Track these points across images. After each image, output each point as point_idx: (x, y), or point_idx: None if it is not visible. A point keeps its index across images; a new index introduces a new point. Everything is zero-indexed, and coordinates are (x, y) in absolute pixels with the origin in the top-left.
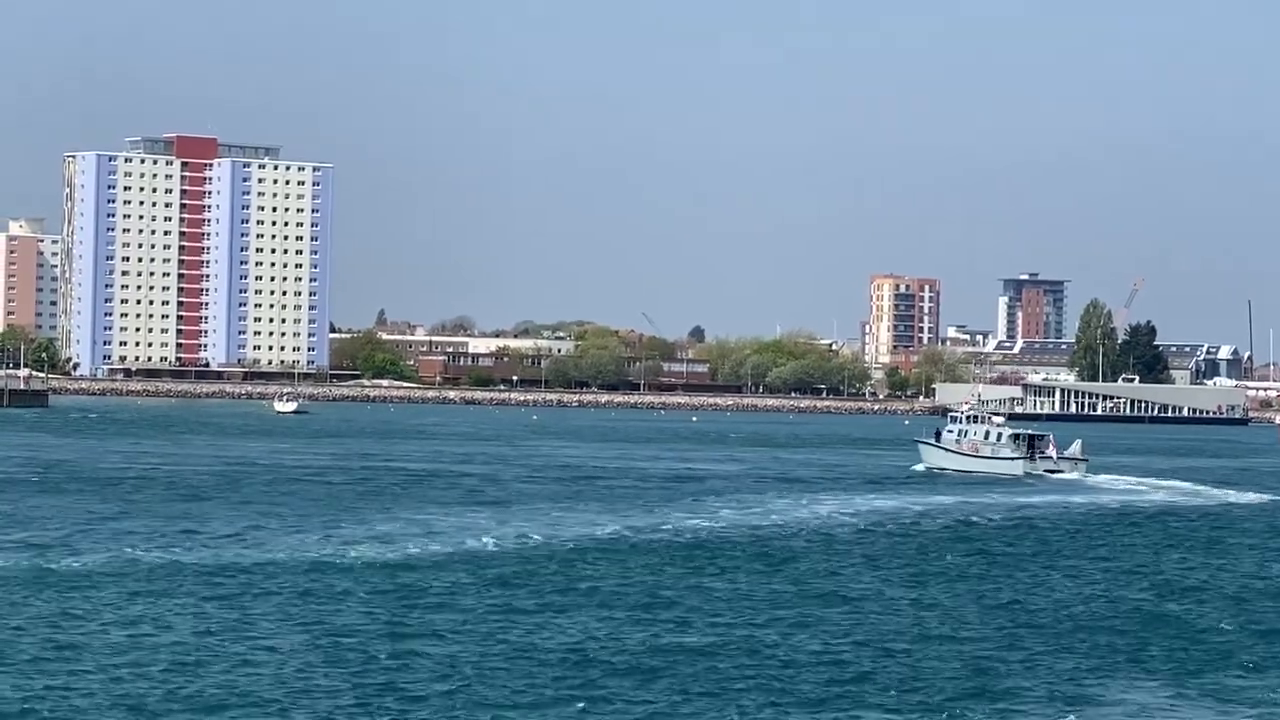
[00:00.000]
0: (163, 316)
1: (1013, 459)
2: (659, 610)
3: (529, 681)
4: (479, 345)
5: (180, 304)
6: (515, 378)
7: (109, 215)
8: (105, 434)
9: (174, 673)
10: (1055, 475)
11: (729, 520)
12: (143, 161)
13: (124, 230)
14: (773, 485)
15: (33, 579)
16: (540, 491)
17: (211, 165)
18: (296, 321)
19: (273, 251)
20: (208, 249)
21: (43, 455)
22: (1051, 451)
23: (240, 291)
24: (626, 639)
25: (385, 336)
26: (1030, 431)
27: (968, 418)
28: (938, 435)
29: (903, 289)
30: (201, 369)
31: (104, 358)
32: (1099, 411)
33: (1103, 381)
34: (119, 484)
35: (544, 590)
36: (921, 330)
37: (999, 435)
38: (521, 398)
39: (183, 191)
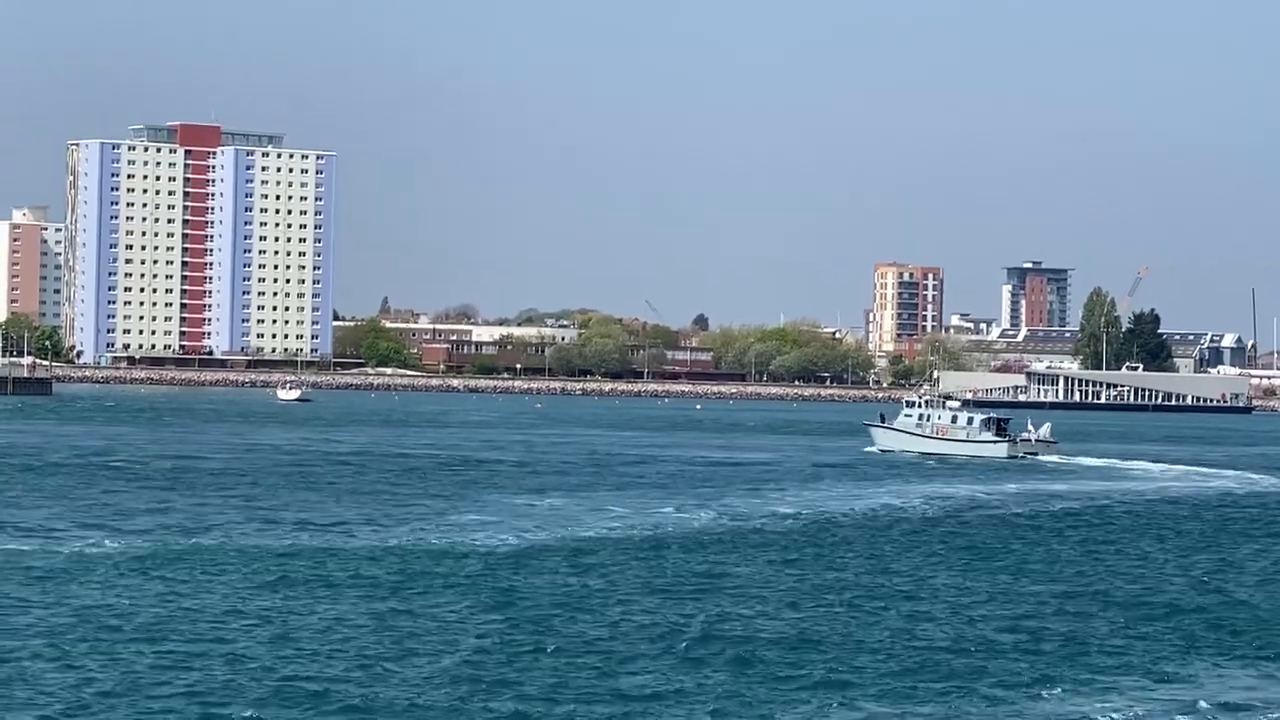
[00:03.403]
0: (166, 304)
1: (997, 441)
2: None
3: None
4: (482, 333)
5: (184, 292)
6: (519, 366)
7: (112, 203)
8: (123, 421)
9: (357, 663)
10: (1034, 458)
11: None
12: (146, 150)
13: (127, 218)
14: (848, 472)
15: (148, 564)
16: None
17: (215, 153)
18: (300, 309)
19: (276, 239)
20: (211, 237)
21: (83, 443)
22: (1030, 434)
23: (244, 279)
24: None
25: (389, 324)
26: (996, 416)
27: (926, 402)
28: (882, 418)
29: (906, 277)
30: (205, 357)
31: (107, 345)
32: (1103, 400)
33: (1106, 370)
34: (172, 473)
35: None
36: (925, 318)
37: (970, 419)
38: (525, 386)
39: (186, 179)
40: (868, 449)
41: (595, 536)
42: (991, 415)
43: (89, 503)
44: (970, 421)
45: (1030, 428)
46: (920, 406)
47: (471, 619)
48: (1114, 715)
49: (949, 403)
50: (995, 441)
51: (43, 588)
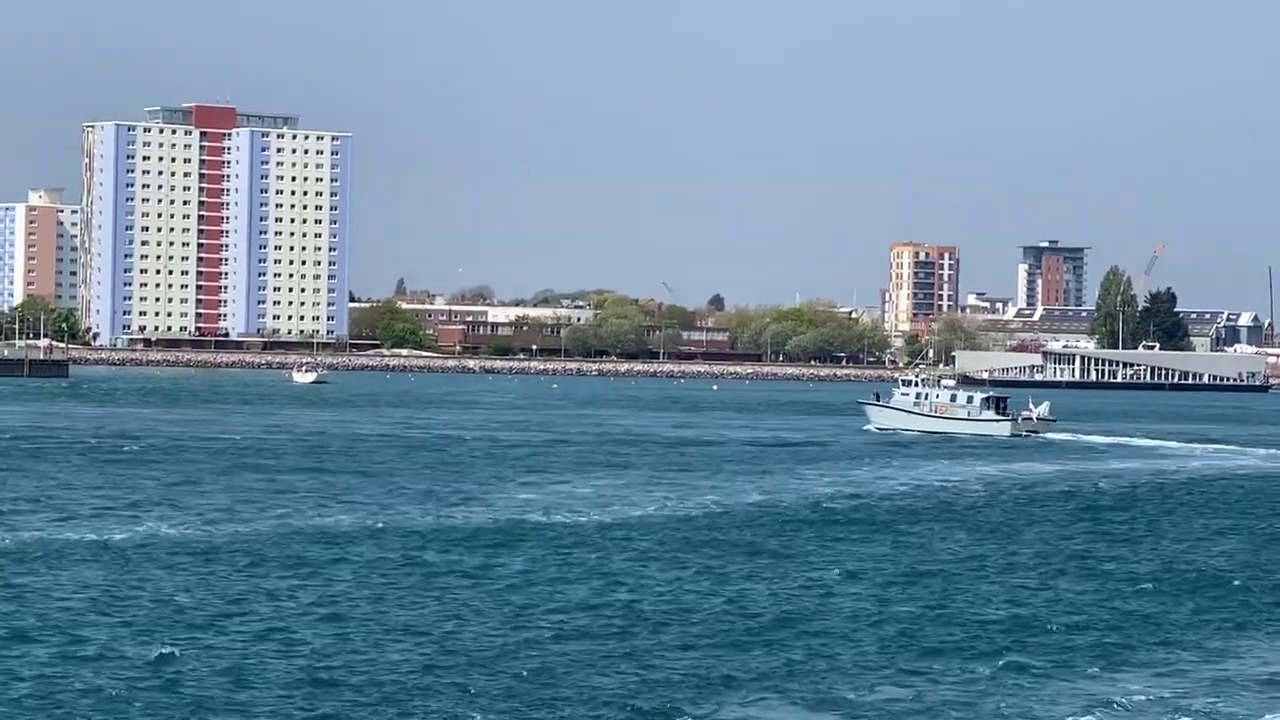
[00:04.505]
0: (182, 286)
1: (999, 420)
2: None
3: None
4: (498, 314)
5: (200, 274)
6: (534, 347)
7: (128, 185)
8: (143, 404)
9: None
10: (1035, 436)
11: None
12: (161, 131)
13: (143, 200)
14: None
15: (202, 550)
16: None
17: (230, 135)
18: (316, 291)
19: (292, 221)
20: (227, 219)
21: (126, 426)
22: (1030, 413)
23: (259, 261)
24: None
25: (404, 306)
26: (995, 394)
27: (922, 381)
28: (877, 397)
29: (922, 256)
30: (221, 339)
31: (124, 327)
32: (1119, 379)
33: (1123, 349)
34: (200, 457)
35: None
36: (941, 298)
37: (970, 397)
38: (541, 366)
39: (201, 161)
40: (864, 428)
41: (640, 516)
42: (991, 394)
43: (123, 488)
44: (970, 400)
45: (1030, 406)
46: (917, 385)
47: (545, 598)
48: (1165, 692)
49: (944, 381)
50: (997, 420)
51: (91, 576)
